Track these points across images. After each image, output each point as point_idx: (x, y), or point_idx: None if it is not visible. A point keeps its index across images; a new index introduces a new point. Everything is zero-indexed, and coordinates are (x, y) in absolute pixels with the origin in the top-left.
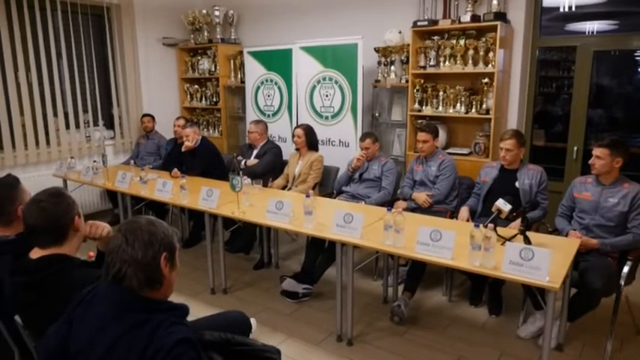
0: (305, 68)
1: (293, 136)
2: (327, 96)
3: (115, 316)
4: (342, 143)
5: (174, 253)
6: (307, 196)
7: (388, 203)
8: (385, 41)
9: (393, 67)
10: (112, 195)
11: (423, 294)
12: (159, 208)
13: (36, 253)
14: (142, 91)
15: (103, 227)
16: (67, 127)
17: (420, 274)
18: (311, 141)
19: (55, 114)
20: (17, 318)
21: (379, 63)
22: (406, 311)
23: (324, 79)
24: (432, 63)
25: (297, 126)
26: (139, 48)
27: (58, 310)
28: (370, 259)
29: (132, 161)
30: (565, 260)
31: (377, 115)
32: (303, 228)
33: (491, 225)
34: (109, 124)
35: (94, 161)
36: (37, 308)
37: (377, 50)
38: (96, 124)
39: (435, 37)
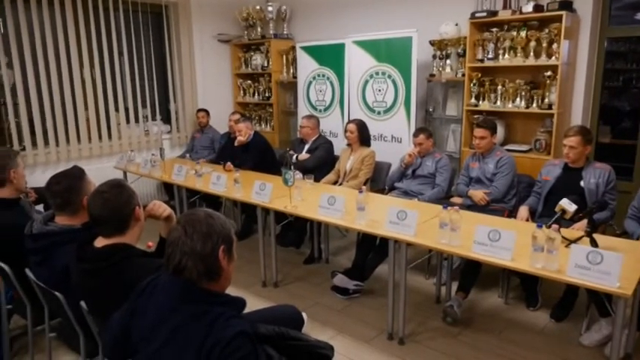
0: (358, 63)
1: (345, 131)
2: (379, 91)
3: (176, 306)
4: (395, 139)
5: (232, 245)
6: (360, 192)
7: (442, 200)
8: (441, 34)
9: (448, 61)
10: (168, 187)
11: (478, 295)
12: (212, 201)
13: (100, 242)
14: (197, 86)
15: (165, 208)
16: (128, 121)
17: (475, 274)
18: (363, 136)
19: (117, 109)
20: (83, 304)
21: (434, 56)
22: (459, 312)
23: (376, 73)
24: (490, 56)
25: (350, 121)
26: (194, 45)
27: (121, 297)
28: (424, 258)
29: (187, 155)
30: (637, 265)
31: (431, 110)
32: (356, 224)
33: (555, 226)
34: (166, 119)
35: (152, 154)
36: (101, 295)
37: (432, 43)
38: (154, 118)
39: (494, 29)
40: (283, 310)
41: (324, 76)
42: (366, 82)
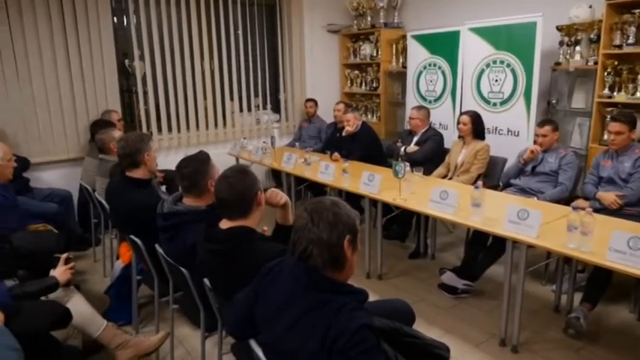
0: (473, 51)
1: (458, 122)
2: (496, 81)
3: (300, 292)
4: (512, 132)
5: (357, 235)
6: (476, 187)
7: (565, 201)
8: (570, 18)
9: (578, 48)
10: (276, 174)
11: (605, 308)
12: (318, 190)
13: (225, 224)
14: (306, 76)
15: (282, 196)
16: (241, 110)
17: (604, 284)
18: (477, 129)
19: (232, 98)
20: (206, 281)
21: (561, 43)
22: (585, 324)
23: (494, 62)
24: (630, 41)
25: (463, 112)
26: (305, 35)
27: (243, 277)
28: (547, 261)
29: (296, 143)
30: None
31: (554, 101)
32: (470, 221)
33: None
34: (276, 108)
35: (264, 142)
36: (224, 274)
37: (559, 29)
38: (264, 107)
39: (637, 10)
40: (394, 305)
41: (435, 65)
42: (482, 71)
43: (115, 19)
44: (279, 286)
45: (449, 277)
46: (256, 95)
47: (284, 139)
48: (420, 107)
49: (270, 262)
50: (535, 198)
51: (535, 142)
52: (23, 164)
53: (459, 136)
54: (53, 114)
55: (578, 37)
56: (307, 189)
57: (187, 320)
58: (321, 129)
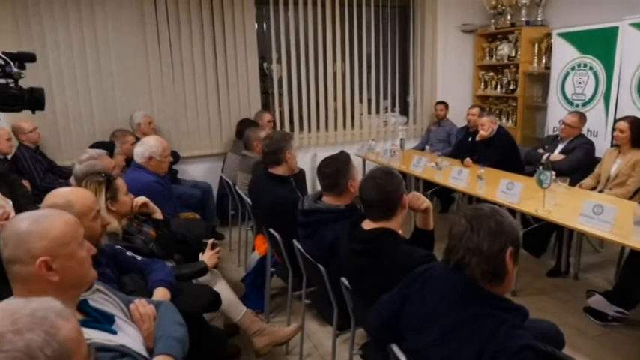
0: (634, 50)
1: (613, 130)
2: None
3: (455, 302)
4: None
5: (519, 248)
6: None
7: None
8: None
9: None
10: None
11: None
12: (446, 197)
13: (368, 225)
14: (437, 78)
15: (424, 200)
16: (369, 112)
17: None
18: (637, 137)
19: (360, 100)
20: (344, 280)
21: None
22: None
23: None
24: None
25: (621, 118)
26: (438, 36)
27: (384, 280)
28: None
29: (427, 147)
30: None
31: None
32: (631, 241)
33: None
34: (404, 111)
35: (392, 144)
36: (365, 275)
37: None
38: (393, 110)
39: None
40: (542, 326)
41: (585, 65)
42: None
43: (256, 25)
44: (429, 293)
45: (598, 301)
46: (385, 97)
47: (410, 142)
48: (576, 112)
49: (418, 268)
50: None
51: None
52: (174, 158)
53: (614, 145)
54: (200, 114)
55: None
56: (434, 194)
57: (316, 315)
58: (450, 133)
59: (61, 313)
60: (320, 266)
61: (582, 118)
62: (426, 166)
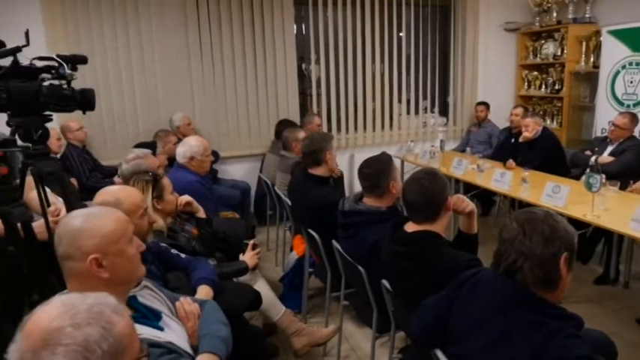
0: None
1: None
2: None
3: (505, 308)
4: None
5: (574, 254)
6: None
7: None
8: None
9: None
10: None
11: None
12: (487, 200)
13: (410, 227)
14: (478, 79)
15: (468, 203)
16: (408, 112)
17: None
18: None
19: (399, 100)
20: (385, 282)
21: None
22: None
23: None
24: None
25: None
26: (480, 35)
27: (428, 283)
28: None
29: (468, 148)
30: None
31: None
32: None
33: None
34: (443, 112)
35: (432, 146)
36: (407, 278)
37: None
38: (432, 110)
39: None
40: (594, 336)
41: (638, 64)
42: None
43: (295, 26)
44: (478, 298)
45: None
46: (424, 98)
47: (450, 143)
48: (627, 114)
49: (465, 272)
50: None
51: None
52: (214, 157)
53: None
54: (240, 114)
55: None
56: (473, 197)
57: (354, 317)
58: (491, 134)
59: (115, 309)
60: (360, 268)
61: (634, 119)
62: (467, 168)
